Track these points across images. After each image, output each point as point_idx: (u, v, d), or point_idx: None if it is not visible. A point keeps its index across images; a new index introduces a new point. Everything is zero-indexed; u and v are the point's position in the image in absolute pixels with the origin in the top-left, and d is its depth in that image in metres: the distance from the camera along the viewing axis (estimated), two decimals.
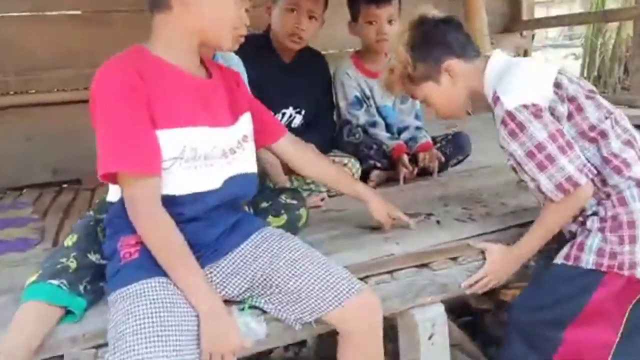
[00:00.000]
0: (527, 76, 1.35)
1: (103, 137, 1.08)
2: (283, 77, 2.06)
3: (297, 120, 2.17)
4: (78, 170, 2.70)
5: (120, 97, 1.08)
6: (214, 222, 1.22)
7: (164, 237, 1.10)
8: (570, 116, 1.34)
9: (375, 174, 2.16)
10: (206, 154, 1.16)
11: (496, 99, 1.33)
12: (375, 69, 2.31)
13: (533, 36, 4.30)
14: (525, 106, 1.28)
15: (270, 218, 1.54)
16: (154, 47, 1.16)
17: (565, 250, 1.37)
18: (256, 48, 1.82)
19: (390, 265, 1.44)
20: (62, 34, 2.74)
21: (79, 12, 2.83)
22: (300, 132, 2.12)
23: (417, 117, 2.37)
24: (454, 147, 2.27)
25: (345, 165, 2.07)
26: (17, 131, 2.76)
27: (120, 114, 1.07)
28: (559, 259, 1.37)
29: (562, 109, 1.33)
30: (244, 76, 1.73)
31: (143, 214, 1.09)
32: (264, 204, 1.55)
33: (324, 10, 2.07)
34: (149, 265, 1.11)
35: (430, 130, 2.36)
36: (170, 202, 1.12)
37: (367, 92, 2.30)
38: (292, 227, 1.58)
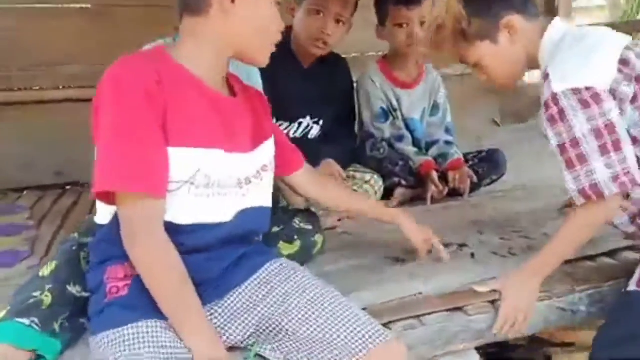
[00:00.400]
0: (586, 53, 1.17)
1: (106, 146, 0.91)
2: (301, 83, 1.89)
3: (315, 130, 1.97)
4: (83, 172, 2.54)
5: (132, 102, 0.91)
6: (219, 256, 1.05)
7: (164, 268, 0.93)
8: (635, 98, 1.15)
9: (399, 192, 1.97)
10: (220, 182, 0.99)
11: (546, 76, 1.19)
12: (404, 78, 2.14)
13: None
14: (575, 91, 1.13)
15: (281, 244, 1.36)
16: (178, 53, 1.00)
17: (637, 275, 1.18)
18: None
19: (419, 308, 1.25)
20: (70, 28, 2.58)
21: (88, 6, 2.67)
22: (318, 144, 1.95)
23: (447, 131, 2.18)
24: (489, 165, 2.08)
25: (367, 182, 1.88)
26: (19, 129, 2.61)
27: (130, 121, 0.91)
28: (632, 286, 1.18)
29: (628, 89, 1.15)
30: (260, 86, 1.55)
31: (141, 238, 0.92)
32: (276, 228, 1.37)
33: (353, 13, 1.88)
34: (140, 304, 0.95)
35: (462, 146, 2.17)
36: (171, 231, 0.95)
37: (395, 104, 2.12)
38: (305, 254, 1.40)
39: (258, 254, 1.13)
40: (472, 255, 1.45)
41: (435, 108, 2.20)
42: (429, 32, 1.34)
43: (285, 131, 1.92)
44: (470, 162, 2.08)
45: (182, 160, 0.95)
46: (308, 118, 1.94)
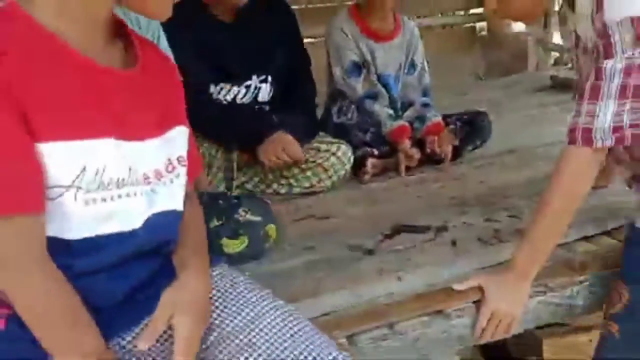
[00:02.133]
0: None
1: None
2: (230, 43, 1.60)
3: (265, 91, 1.69)
4: None
5: None
6: (124, 274, 0.81)
7: (45, 301, 0.72)
8: None
9: (370, 163, 1.72)
10: (118, 180, 0.75)
11: (600, 2, 0.98)
12: (379, 29, 1.88)
13: None
14: (635, 20, 0.94)
15: (225, 241, 1.14)
16: (39, 9, 0.72)
17: None
18: (188, 9, 1.36)
19: (391, 314, 1.03)
20: None
21: None
22: (271, 113, 1.69)
23: (425, 93, 1.93)
24: (472, 129, 1.84)
25: (334, 154, 1.63)
26: None
27: None
28: None
29: None
30: (162, 37, 1.28)
31: (13, 265, 0.70)
32: (215, 222, 1.13)
33: None
34: (20, 340, 0.74)
35: (444, 100, 1.93)
36: (59, 249, 0.73)
37: (368, 57, 1.86)
38: (256, 250, 1.19)
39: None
40: (454, 242, 1.23)
41: (412, 66, 1.96)
42: None
43: (232, 96, 1.65)
44: (451, 126, 1.84)
45: (59, 159, 0.71)
46: (254, 78, 1.67)
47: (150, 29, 1.24)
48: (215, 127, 1.56)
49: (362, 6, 1.88)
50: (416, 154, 1.75)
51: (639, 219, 1.12)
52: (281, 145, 1.52)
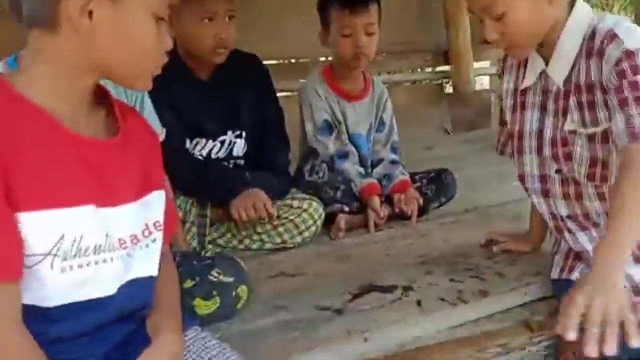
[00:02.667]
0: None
1: None
2: (206, 99, 1.67)
3: (239, 146, 1.75)
4: None
5: None
6: (98, 338, 0.83)
7: None
8: None
9: (341, 219, 1.78)
10: (96, 246, 0.78)
11: (612, 37, 1.09)
12: (350, 89, 1.96)
13: None
14: None
15: (197, 301, 1.16)
16: (22, 81, 0.77)
17: None
18: (165, 68, 1.42)
19: None
20: None
21: None
22: (247, 166, 1.75)
23: (393, 150, 2.01)
24: (437, 187, 1.92)
25: (305, 211, 1.68)
26: None
27: None
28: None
29: None
30: (145, 96, 1.35)
31: None
32: (190, 282, 1.16)
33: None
34: None
35: (413, 154, 2.00)
36: (36, 316, 0.74)
37: (339, 117, 1.93)
38: (227, 311, 1.22)
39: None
40: (419, 302, 1.28)
41: (381, 124, 2.04)
42: None
43: (207, 150, 1.71)
44: (418, 183, 1.92)
45: (37, 228, 0.73)
46: (229, 133, 1.73)
47: (135, 92, 1.30)
48: (189, 181, 1.60)
49: (334, 67, 1.97)
50: (385, 211, 1.80)
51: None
52: (252, 201, 1.56)
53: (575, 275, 1.23)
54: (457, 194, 1.99)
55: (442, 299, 1.29)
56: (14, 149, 0.72)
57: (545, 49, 1.20)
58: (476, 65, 3.37)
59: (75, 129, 0.78)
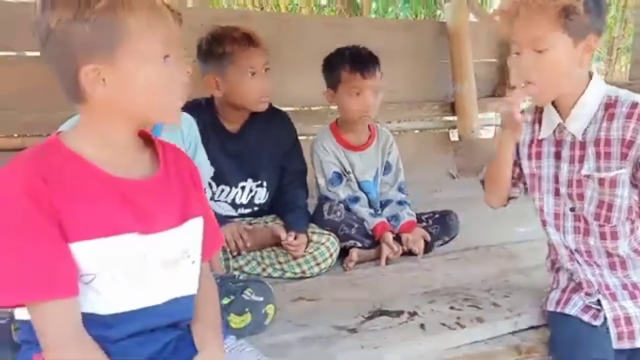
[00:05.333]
0: None
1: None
2: (233, 149, 1.92)
3: (261, 194, 1.99)
4: None
5: (14, 210, 0.86)
6: (150, 339, 0.99)
7: None
8: None
9: (355, 253, 1.98)
10: (140, 267, 0.94)
11: (635, 104, 1.31)
12: (355, 142, 2.17)
13: None
14: None
15: (232, 317, 1.35)
16: (74, 139, 0.94)
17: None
18: (196, 116, 1.66)
19: None
20: (24, 74, 2.54)
21: None
22: (270, 212, 1.97)
23: (400, 189, 2.22)
24: (441, 227, 2.12)
25: (323, 244, 1.89)
26: None
27: (16, 229, 0.86)
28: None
29: None
30: (198, 138, 1.60)
31: (56, 343, 0.88)
32: (226, 300, 1.35)
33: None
34: None
35: (419, 196, 2.18)
36: (94, 322, 0.92)
37: (347, 167, 2.14)
38: (257, 327, 1.40)
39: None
40: (422, 326, 1.47)
41: (387, 167, 2.24)
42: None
43: (231, 197, 1.94)
44: (424, 223, 2.12)
45: (88, 254, 0.90)
46: (250, 181, 1.96)
47: (189, 136, 1.56)
48: None
49: (340, 122, 2.17)
50: (397, 247, 1.98)
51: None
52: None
53: (572, 311, 1.39)
54: (460, 234, 2.17)
55: (443, 324, 1.47)
56: (64, 194, 0.88)
57: (562, 106, 1.39)
58: (480, 116, 3.61)
59: (117, 171, 0.93)
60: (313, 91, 3.07)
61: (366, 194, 2.16)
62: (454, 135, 3.70)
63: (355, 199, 2.10)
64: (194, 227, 1.03)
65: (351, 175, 2.14)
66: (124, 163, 0.96)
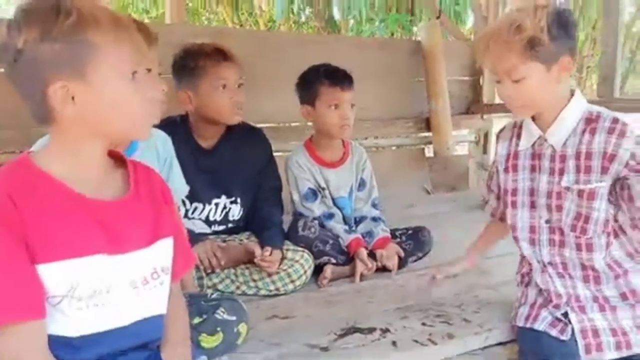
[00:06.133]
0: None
1: None
2: (205, 165, 1.92)
3: (235, 211, 2.00)
4: None
5: None
6: None
7: None
8: None
9: (329, 269, 1.99)
10: (109, 288, 0.93)
11: (624, 123, 1.35)
12: (330, 158, 2.20)
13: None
14: None
15: (203, 337, 1.34)
16: (44, 158, 0.93)
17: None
18: (171, 133, 1.66)
19: None
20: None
21: None
22: (245, 229, 1.98)
23: (374, 205, 2.25)
24: (415, 243, 2.14)
25: (297, 262, 1.89)
26: None
27: None
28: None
29: None
30: (174, 156, 1.61)
31: None
32: (197, 319, 1.35)
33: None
34: None
35: (395, 212, 2.20)
36: (62, 344, 0.91)
37: (322, 184, 2.17)
38: (229, 346, 1.39)
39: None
40: (394, 343, 1.48)
41: (362, 184, 2.27)
42: (508, 30, 1.32)
43: (204, 214, 1.94)
44: (398, 239, 2.14)
45: (56, 276, 0.88)
46: (224, 197, 1.96)
47: (165, 154, 1.57)
48: None
49: (315, 139, 2.21)
50: (372, 263, 2.00)
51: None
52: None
53: (541, 326, 1.42)
54: (433, 249, 2.21)
55: (415, 341, 1.49)
56: (31, 214, 0.87)
57: (543, 120, 1.44)
58: (455, 133, 3.68)
59: (86, 192, 0.92)
60: (291, 107, 3.11)
61: (341, 210, 2.18)
62: (429, 152, 3.76)
63: (330, 215, 2.12)
64: (164, 248, 1.03)
65: (326, 191, 2.17)
66: (94, 183, 0.96)
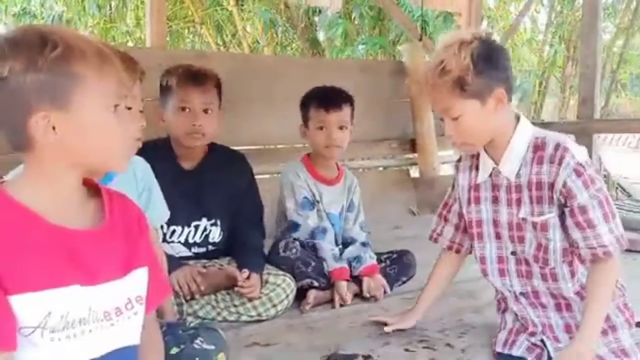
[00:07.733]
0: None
1: None
2: (186, 187, 1.91)
3: (215, 233, 1.98)
4: None
5: None
6: None
7: None
8: None
9: (312, 295, 1.96)
10: (82, 319, 0.91)
11: (565, 149, 1.34)
12: (326, 175, 2.24)
13: None
14: (588, 163, 1.35)
15: None
16: (17, 188, 0.92)
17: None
18: (153, 155, 1.65)
19: None
20: None
21: None
22: (225, 252, 1.95)
23: (361, 227, 2.27)
24: (399, 267, 2.13)
25: (279, 286, 1.87)
26: None
27: None
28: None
29: None
30: (154, 182, 1.59)
31: None
32: (175, 349, 1.30)
33: (219, 104, 1.97)
34: None
35: (381, 233, 2.19)
36: None
37: (317, 197, 2.19)
38: None
39: None
40: None
41: (351, 205, 2.31)
42: (434, 72, 1.35)
43: (183, 237, 1.92)
44: (383, 264, 2.13)
45: (28, 307, 0.87)
46: (204, 220, 1.94)
47: (143, 181, 1.54)
48: None
49: (311, 156, 2.25)
50: (350, 295, 1.98)
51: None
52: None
53: (518, 352, 1.43)
54: (418, 272, 2.19)
55: None
56: (5, 244, 0.85)
57: (494, 151, 1.44)
58: (440, 153, 3.70)
59: (60, 222, 0.90)
60: (274, 130, 3.12)
61: (332, 225, 2.20)
62: (414, 172, 3.77)
63: (324, 230, 2.13)
64: (139, 278, 1.02)
65: (320, 204, 2.19)
66: (68, 213, 0.94)
